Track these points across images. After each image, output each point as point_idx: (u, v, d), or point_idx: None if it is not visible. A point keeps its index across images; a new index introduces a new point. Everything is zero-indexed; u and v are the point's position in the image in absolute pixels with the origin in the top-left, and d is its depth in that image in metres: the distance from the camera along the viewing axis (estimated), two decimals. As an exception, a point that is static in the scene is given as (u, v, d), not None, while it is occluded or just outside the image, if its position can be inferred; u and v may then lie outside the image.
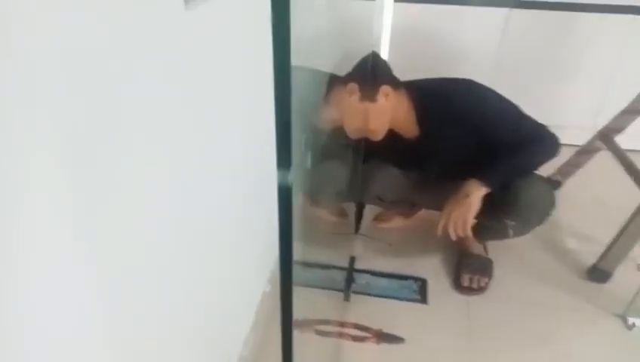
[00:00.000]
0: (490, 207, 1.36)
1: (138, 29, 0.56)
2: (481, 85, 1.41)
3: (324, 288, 1.50)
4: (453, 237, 1.37)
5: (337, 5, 1.97)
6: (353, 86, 1.34)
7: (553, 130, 1.40)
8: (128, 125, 0.56)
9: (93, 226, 0.53)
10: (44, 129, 0.42)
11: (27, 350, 0.44)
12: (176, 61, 0.67)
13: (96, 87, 0.49)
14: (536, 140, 1.37)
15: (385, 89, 1.34)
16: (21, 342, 0.44)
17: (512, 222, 1.40)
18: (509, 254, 1.61)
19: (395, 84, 1.38)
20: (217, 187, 0.93)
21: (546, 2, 1.98)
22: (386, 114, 1.37)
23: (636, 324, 1.36)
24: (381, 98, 1.34)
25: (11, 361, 0.42)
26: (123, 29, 0.52)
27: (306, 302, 1.43)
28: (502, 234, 1.46)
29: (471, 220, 1.33)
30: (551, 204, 1.39)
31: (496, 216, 1.41)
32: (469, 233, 1.36)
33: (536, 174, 1.41)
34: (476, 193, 1.32)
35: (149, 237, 0.67)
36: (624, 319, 1.38)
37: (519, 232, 1.43)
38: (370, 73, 1.36)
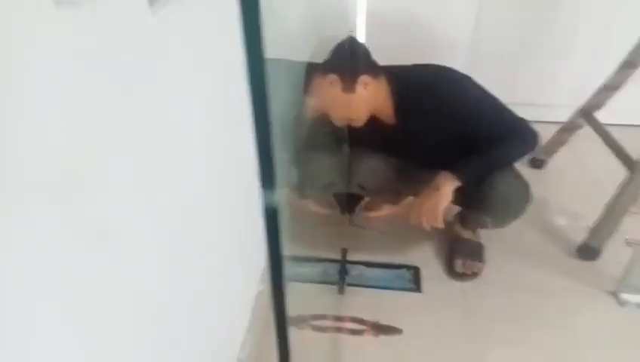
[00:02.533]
0: (467, 201, 1.39)
1: (101, 30, 0.51)
2: (461, 74, 1.39)
3: (317, 282, 1.48)
4: (427, 228, 1.36)
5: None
6: (333, 77, 1.32)
7: (534, 108, 1.40)
8: (93, 137, 0.52)
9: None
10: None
11: None
12: (143, 66, 0.63)
13: (60, 100, 0.45)
14: (514, 135, 1.35)
15: (364, 79, 1.32)
16: None
17: (488, 218, 1.41)
18: (500, 236, 1.61)
19: (375, 71, 1.36)
20: (205, 189, 0.90)
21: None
22: (366, 102, 1.36)
23: (628, 300, 1.37)
24: (360, 88, 1.33)
25: None
26: (85, 30, 0.48)
27: (300, 298, 1.41)
28: (482, 225, 1.49)
29: (441, 212, 1.33)
30: (525, 199, 1.38)
31: (473, 210, 1.43)
32: (441, 224, 1.35)
33: (510, 169, 1.39)
34: (447, 186, 1.32)
35: (142, 244, 0.63)
36: (616, 295, 1.40)
37: (497, 225, 1.45)
38: (349, 60, 1.33)
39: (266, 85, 0.38)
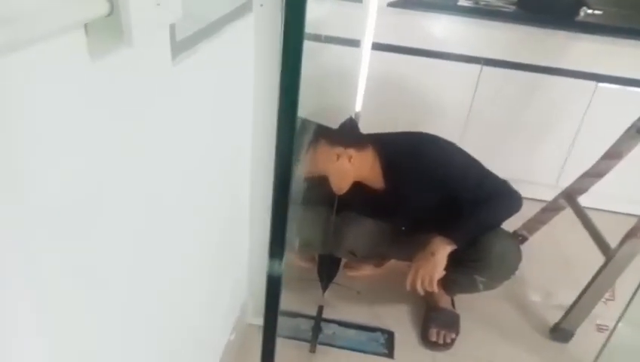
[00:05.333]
0: (458, 262, 1.38)
1: (127, 83, 0.53)
2: (446, 141, 1.44)
3: (289, 337, 1.46)
4: (422, 293, 1.39)
5: (316, 49, 2.00)
6: (340, 150, 1.37)
7: (519, 184, 1.44)
8: (111, 179, 0.53)
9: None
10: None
11: None
12: (164, 115, 0.65)
13: (83, 143, 0.46)
14: (499, 197, 1.40)
15: (349, 151, 1.38)
16: None
17: (482, 278, 1.41)
18: (475, 309, 1.62)
19: (360, 144, 1.41)
20: (188, 236, 0.90)
21: (516, 63, 2.06)
22: (349, 174, 1.41)
23: (597, 388, 1.37)
24: (344, 160, 1.38)
25: None
26: (113, 82, 0.50)
27: (271, 352, 1.38)
28: (472, 289, 1.48)
29: (437, 277, 1.35)
30: (517, 258, 1.41)
31: (465, 271, 1.42)
32: (436, 289, 1.38)
33: (501, 229, 1.43)
34: (442, 251, 1.34)
35: (120, 281, 0.63)
36: (586, 382, 1.40)
37: (489, 287, 1.45)
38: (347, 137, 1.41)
39: (292, 156, 0.40)
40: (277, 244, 0.46)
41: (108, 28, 0.39)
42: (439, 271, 1.34)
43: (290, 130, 0.37)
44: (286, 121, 0.37)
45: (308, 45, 1.86)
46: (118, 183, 0.55)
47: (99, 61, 0.44)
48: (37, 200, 0.41)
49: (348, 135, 1.40)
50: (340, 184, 1.43)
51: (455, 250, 1.34)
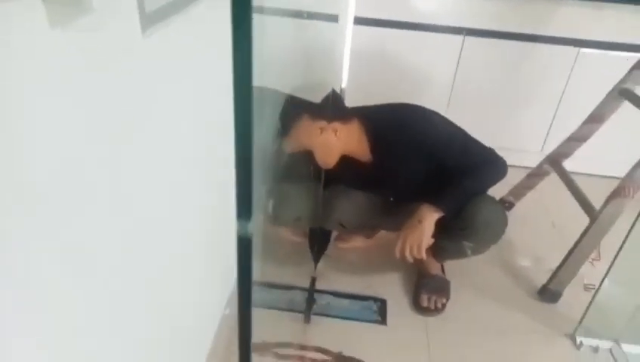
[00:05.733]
0: (446, 229, 1.40)
1: (95, 54, 0.54)
2: (430, 111, 1.45)
3: (284, 309, 1.49)
4: (410, 261, 1.41)
5: (299, 25, 1.99)
6: (323, 124, 1.38)
7: (505, 152, 1.46)
8: (81, 156, 0.54)
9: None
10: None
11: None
12: (132, 89, 0.66)
13: (49, 118, 0.47)
14: (484, 164, 1.42)
15: (334, 125, 1.38)
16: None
17: (469, 243, 1.44)
18: (465, 274, 1.66)
19: (345, 117, 1.41)
20: (178, 210, 0.91)
21: (498, 32, 2.07)
22: (335, 147, 1.41)
23: (584, 343, 1.42)
24: (330, 134, 1.38)
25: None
26: (80, 54, 0.51)
27: (265, 324, 1.41)
28: (460, 254, 1.50)
29: (425, 244, 1.37)
30: (503, 223, 1.44)
31: (453, 238, 1.45)
32: (424, 256, 1.39)
33: (487, 195, 1.46)
34: (429, 218, 1.36)
35: (107, 260, 0.64)
36: (573, 338, 1.44)
37: (476, 252, 1.48)
38: (331, 111, 1.41)
39: (251, 114, 0.41)
40: (244, 203, 0.47)
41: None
42: (427, 238, 1.36)
43: (247, 75, 0.38)
44: (242, 67, 0.38)
45: (288, 22, 1.86)
46: (92, 166, 0.56)
47: (59, 29, 0.43)
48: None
49: (331, 108, 1.41)
50: (326, 158, 1.44)
51: (442, 217, 1.37)
